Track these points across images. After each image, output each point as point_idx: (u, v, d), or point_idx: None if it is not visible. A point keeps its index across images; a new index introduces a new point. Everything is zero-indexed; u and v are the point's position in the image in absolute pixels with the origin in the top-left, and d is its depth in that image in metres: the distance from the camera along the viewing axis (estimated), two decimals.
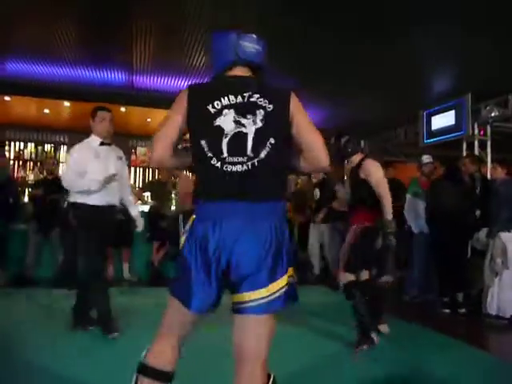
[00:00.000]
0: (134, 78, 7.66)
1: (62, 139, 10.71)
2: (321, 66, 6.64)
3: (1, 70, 7.26)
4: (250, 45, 1.70)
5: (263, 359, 1.55)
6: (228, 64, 1.70)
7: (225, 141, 1.60)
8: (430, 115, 7.86)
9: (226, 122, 1.61)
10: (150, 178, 10.80)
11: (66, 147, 10.75)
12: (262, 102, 1.62)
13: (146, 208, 6.69)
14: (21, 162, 10.50)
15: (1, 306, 4.50)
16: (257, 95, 1.62)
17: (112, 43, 6.25)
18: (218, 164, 1.59)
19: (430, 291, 5.21)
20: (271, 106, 1.62)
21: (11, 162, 9.91)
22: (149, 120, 9.32)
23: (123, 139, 10.81)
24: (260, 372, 1.53)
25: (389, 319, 3.83)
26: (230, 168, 1.58)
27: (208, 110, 1.61)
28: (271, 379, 1.59)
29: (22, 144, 10.54)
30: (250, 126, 1.60)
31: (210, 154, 1.60)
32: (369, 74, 6.76)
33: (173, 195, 6.86)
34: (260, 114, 1.61)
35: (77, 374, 2.61)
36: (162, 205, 6.38)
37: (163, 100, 8.33)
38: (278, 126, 1.63)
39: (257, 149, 1.60)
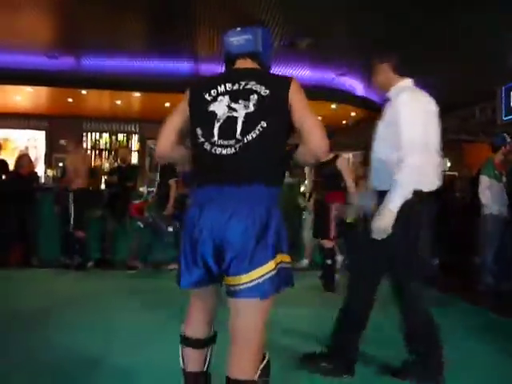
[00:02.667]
0: (200, 66, 7.80)
1: (133, 129, 11.21)
2: (398, 40, 6.38)
3: (77, 66, 7.70)
4: (235, 38, 1.75)
5: (254, 342, 1.57)
6: (225, 61, 1.79)
7: (217, 125, 1.63)
8: (509, 90, 7.31)
9: (220, 107, 1.64)
10: None
11: (137, 136, 11.25)
12: (258, 87, 1.62)
13: None
14: (97, 152, 11.14)
15: (92, 284, 4.90)
16: (253, 82, 1.64)
17: (177, 33, 6.41)
18: (208, 147, 1.62)
19: (507, 279, 4.86)
20: (267, 91, 1.62)
21: (88, 152, 10.53)
22: None
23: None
24: (248, 354, 1.56)
25: (465, 308, 3.64)
26: (218, 151, 1.60)
27: (205, 97, 1.68)
28: (265, 361, 1.64)
29: (97, 134, 11.17)
30: (241, 110, 1.62)
31: (202, 139, 1.64)
32: (447, 47, 6.40)
33: None
34: (253, 98, 1.62)
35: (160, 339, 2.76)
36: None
37: None
38: (272, 110, 1.61)
39: (246, 131, 1.59)
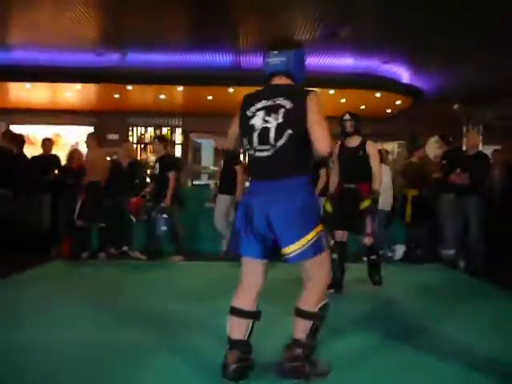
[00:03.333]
0: (241, 58, 7.80)
1: (177, 122, 11.39)
2: (436, 26, 6.15)
3: (122, 61, 7.89)
4: (272, 59, 2.22)
5: (317, 288, 2.18)
6: (265, 78, 2.28)
7: (255, 134, 2.16)
8: None
9: (257, 120, 2.17)
10: None
11: (180, 129, 11.43)
12: (285, 102, 2.13)
13: None
14: (142, 146, 11.42)
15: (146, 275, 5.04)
16: (282, 98, 2.14)
17: (218, 25, 6.42)
18: (252, 152, 2.19)
19: None
20: (292, 105, 2.12)
21: (134, 146, 10.81)
22: None
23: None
24: (313, 297, 2.16)
25: None
26: (259, 154, 2.16)
27: (247, 114, 2.21)
28: (322, 303, 2.17)
29: (142, 129, 11.45)
30: (273, 122, 2.12)
31: (247, 146, 2.21)
32: (485, 34, 6.10)
33: None
34: (281, 111, 2.12)
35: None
36: None
37: None
38: (295, 120, 2.11)
39: (277, 138, 2.11)
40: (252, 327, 2.19)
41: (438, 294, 4.27)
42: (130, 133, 11.33)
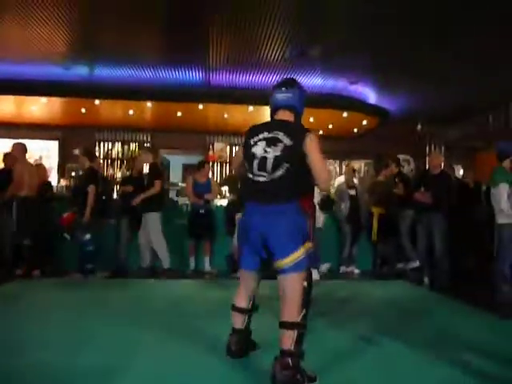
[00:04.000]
0: (211, 75, 7.84)
1: (145, 138, 11.27)
2: (400, 49, 6.38)
3: (90, 76, 7.79)
4: (281, 95, 2.62)
5: (296, 300, 2.41)
6: (271, 110, 2.71)
7: (255, 162, 2.51)
8: None
9: (258, 149, 2.52)
10: (227, 173, 11.03)
11: (149, 145, 11.31)
12: (284, 138, 2.47)
13: (225, 202, 6.83)
14: (109, 161, 11.22)
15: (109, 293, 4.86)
16: (282, 133, 2.49)
17: (188, 43, 6.44)
18: (251, 176, 2.54)
19: None
20: (291, 142, 2.46)
21: (101, 162, 10.61)
22: (226, 116, 9.51)
23: (201, 136, 11.17)
24: (292, 308, 2.40)
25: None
26: (257, 179, 2.50)
27: (249, 142, 2.58)
28: (302, 314, 2.42)
29: (109, 144, 11.26)
30: (272, 153, 2.46)
31: (248, 170, 2.57)
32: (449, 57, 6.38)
33: None
34: (280, 145, 2.46)
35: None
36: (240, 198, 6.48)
37: (239, 96, 8.48)
38: (293, 155, 2.45)
39: (274, 169, 2.45)
40: (249, 318, 2.79)
41: (400, 309, 4.33)
42: (97, 148, 11.13)
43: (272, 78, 7.88)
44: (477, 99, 8.30)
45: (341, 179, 7.53)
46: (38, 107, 9.19)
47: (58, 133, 10.76)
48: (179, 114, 9.32)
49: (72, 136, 10.61)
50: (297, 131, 2.52)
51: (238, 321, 2.77)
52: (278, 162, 2.44)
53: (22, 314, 3.90)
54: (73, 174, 9.97)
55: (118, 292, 4.93)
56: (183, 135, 10.70)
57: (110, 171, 11.09)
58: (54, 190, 7.99)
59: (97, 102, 8.66)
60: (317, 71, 7.47)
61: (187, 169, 11.00)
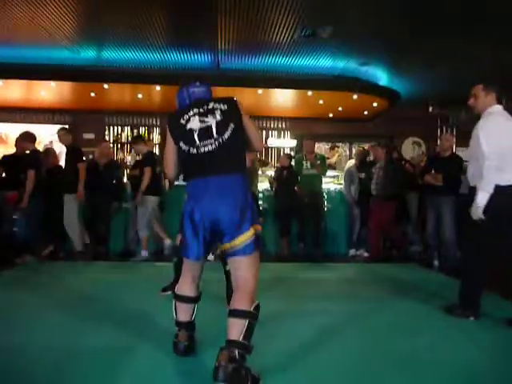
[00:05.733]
0: (220, 58, 7.78)
1: (154, 122, 11.28)
2: (413, 28, 6.26)
3: (98, 59, 7.78)
4: (197, 89, 2.53)
5: (249, 284, 2.22)
6: (186, 106, 2.49)
7: (195, 134, 2.33)
8: None
9: (194, 124, 2.35)
10: None
11: (158, 129, 11.32)
12: (217, 106, 2.38)
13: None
14: (119, 145, 11.26)
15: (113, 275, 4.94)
16: (212, 103, 2.40)
17: (197, 25, 6.38)
18: (195, 151, 2.32)
19: None
20: (225, 106, 2.38)
21: (111, 146, 10.65)
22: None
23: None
24: (246, 293, 2.20)
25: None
26: (203, 149, 2.30)
27: (181, 122, 2.40)
28: (255, 304, 2.20)
29: (119, 128, 11.29)
30: (212, 120, 2.33)
31: (187, 148, 2.34)
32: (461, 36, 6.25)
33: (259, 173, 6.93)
34: (217, 112, 2.35)
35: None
36: (251, 183, 6.48)
37: (248, 79, 8.42)
38: (233, 117, 2.35)
39: (221, 131, 2.31)
40: (195, 309, 2.56)
41: (410, 292, 4.34)
42: (107, 132, 11.17)
43: (282, 61, 7.80)
44: (490, 81, 8.14)
45: (351, 162, 7.50)
46: (48, 92, 9.22)
47: (69, 117, 10.81)
48: None
49: (82, 120, 10.66)
50: (225, 99, 2.43)
51: (187, 312, 2.53)
52: (222, 124, 2.32)
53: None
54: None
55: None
56: None
57: (120, 155, 11.13)
58: None
59: (106, 86, 8.66)
60: (327, 53, 7.38)
61: None
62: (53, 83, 8.55)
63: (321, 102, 9.58)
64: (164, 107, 10.38)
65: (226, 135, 2.29)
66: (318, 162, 6.55)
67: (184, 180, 2.45)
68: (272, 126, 11.56)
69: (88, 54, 7.57)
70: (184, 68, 8.18)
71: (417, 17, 5.85)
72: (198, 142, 2.31)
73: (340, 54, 7.40)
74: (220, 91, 9.06)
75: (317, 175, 6.53)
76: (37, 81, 8.52)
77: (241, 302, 2.17)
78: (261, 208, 5.93)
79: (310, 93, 8.89)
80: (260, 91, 8.86)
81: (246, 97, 9.23)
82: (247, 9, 5.78)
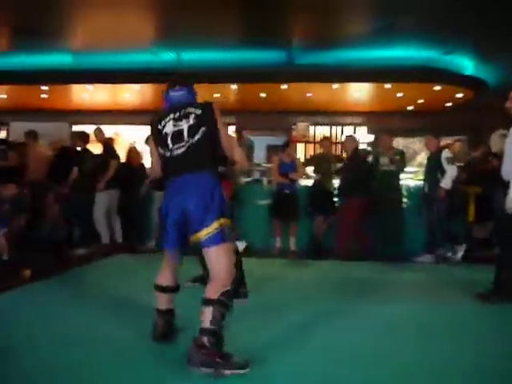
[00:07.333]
0: (295, 54, 7.75)
1: (230, 120, 11.49)
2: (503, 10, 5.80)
3: (177, 61, 8.08)
4: (175, 93, 2.69)
5: (218, 277, 2.36)
6: (170, 106, 2.68)
7: (169, 138, 2.53)
8: None
9: (168, 128, 2.56)
10: (312, 153, 10.92)
11: (234, 127, 11.54)
12: (193, 110, 2.55)
13: (310, 182, 6.77)
14: None
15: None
16: (189, 108, 2.57)
17: (272, 24, 6.41)
18: (169, 154, 2.53)
19: None
20: (200, 111, 2.54)
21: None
22: (309, 95, 9.38)
23: (283, 115, 11.14)
24: (213, 282, 2.36)
25: None
26: (175, 152, 2.51)
27: (158, 128, 2.61)
28: (223, 290, 2.31)
29: None
30: (185, 124, 2.52)
31: (163, 151, 2.57)
32: None
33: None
34: (191, 116, 2.53)
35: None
36: (325, 179, 6.38)
37: (324, 74, 8.29)
38: (206, 121, 2.52)
39: (192, 135, 2.49)
40: (174, 298, 2.73)
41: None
42: None
43: (357, 54, 7.60)
44: None
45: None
46: (131, 94, 9.76)
47: (150, 118, 11.33)
48: (263, 95, 9.36)
49: None
50: (201, 103, 2.62)
51: (164, 301, 2.71)
52: (194, 128, 2.49)
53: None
54: None
55: None
56: (267, 116, 10.76)
57: None
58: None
59: None
60: (407, 43, 7.06)
61: (271, 149, 11.06)
62: (136, 86, 9.03)
63: (399, 94, 9.20)
64: (240, 105, 10.59)
65: (196, 137, 2.48)
66: (397, 157, 6.28)
67: (165, 178, 2.63)
68: (347, 121, 11.31)
69: (167, 57, 7.89)
70: (259, 66, 8.24)
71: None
72: (171, 145, 2.52)
73: (421, 43, 7.04)
74: (294, 87, 9.05)
75: (395, 171, 6.27)
76: (121, 84, 9.05)
77: (208, 291, 2.34)
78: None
79: (388, 85, 8.57)
80: (335, 86, 8.69)
81: (320, 92, 9.11)
82: (321, 2, 5.69)
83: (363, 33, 6.63)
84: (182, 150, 2.48)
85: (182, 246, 2.56)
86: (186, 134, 2.49)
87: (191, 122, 2.50)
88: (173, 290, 2.72)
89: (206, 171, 2.47)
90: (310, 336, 2.88)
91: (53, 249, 5.67)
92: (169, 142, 2.52)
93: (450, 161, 5.79)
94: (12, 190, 5.39)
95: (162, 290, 2.70)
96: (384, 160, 6.25)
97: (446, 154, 5.73)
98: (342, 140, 6.79)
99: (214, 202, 2.41)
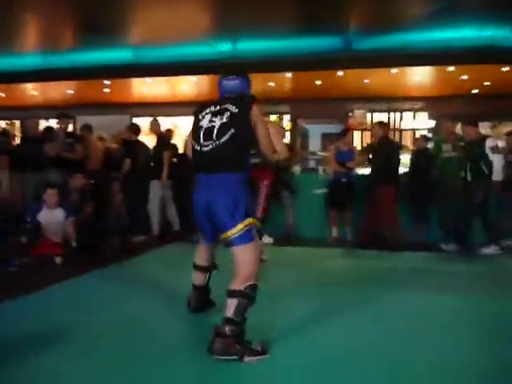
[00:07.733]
0: (352, 39, 7.55)
1: (284, 109, 11.45)
2: None
3: (234, 52, 8.13)
4: (229, 82, 2.72)
5: (243, 273, 2.45)
6: (220, 94, 2.76)
7: (201, 132, 2.58)
8: None
9: (205, 121, 2.60)
10: (368, 141, 10.65)
11: (289, 116, 11.48)
12: (230, 107, 2.56)
13: (367, 171, 6.62)
14: None
15: None
16: (228, 104, 2.58)
17: (328, 9, 6.27)
18: (199, 148, 2.58)
19: None
20: (236, 109, 2.54)
21: None
22: (366, 81, 9.12)
23: (340, 103, 10.92)
24: (238, 277, 2.44)
25: None
26: (204, 149, 2.55)
27: (198, 118, 2.67)
28: (248, 283, 2.42)
29: None
30: (218, 122, 2.54)
31: (194, 144, 2.62)
32: None
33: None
34: (227, 114, 2.54)
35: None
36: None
37: (383, 58, 8.02)
38: (239, 121, 2.52)
39: (219, 136, 2.51)
40: (209, 277, 3.07)
41: None
42: None
43: (418, 36, 7.28)
44: None
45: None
46: (189, 86, 9.96)
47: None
48: (318, 82, 9.23)
49: None
50: (243, 99, 2.61)
51: (199, 278, 3.06)
52: (223, 129, 2.50)
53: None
54: None
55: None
56: (322, 104, 10.60)
57: None
58: None
59: None
60: (470, 22, 6.67)
61: (326, 138, 10.91)
62: (193, 78, 9.20)
63: (464, 77, 8.73)
64: (294, 93, 10.51)
65: (223, 139, 2.49)
66: (460, 143, 5.98)
67: (194, 171, 2.69)
68: (406, 107, 10.90)
69: (223, 48, 7.97)
70: (315, 53, 8.11)
71: None
72: (202, 140, 2.57)
73: (487, 21, 6.62)
74: (350, 73, 8.84)
75: (457, 158, 5.97)
76: (179, 76, 9.25)
77: (233, 283, 2.45)
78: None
79: (451, 68, 8.16)
80: (394, 70, 8.40)
81: (379, 78, 8.84)
82: None
83: (424, 14, 6.33)
84: (210, 147, 2.53)
85: (216, 238, 2.78)
86: (215, 132, 2.52)
87: (224, 120, 2.53)
88: (208, 269, 3.06)
89: (231, 173, 2.51)
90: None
91: (117, 236, 5.95)
92: (201, 136, 2.58)
93: (496, 150, 5.49)
94: (79, 181, 5.71)
95: (198, 269, 3.06)
96: (446, 147, 5.99)
97: (490, 142, 5.44)
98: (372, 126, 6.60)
99: (241, 203, 2.49)
